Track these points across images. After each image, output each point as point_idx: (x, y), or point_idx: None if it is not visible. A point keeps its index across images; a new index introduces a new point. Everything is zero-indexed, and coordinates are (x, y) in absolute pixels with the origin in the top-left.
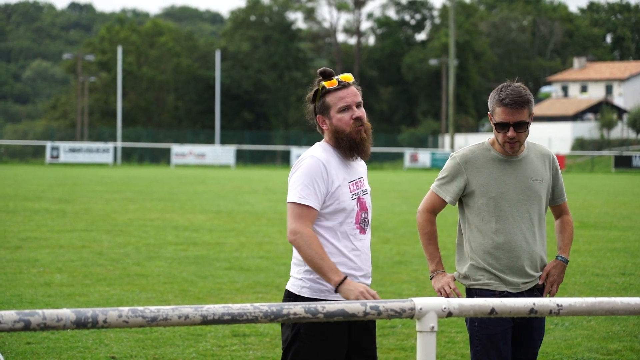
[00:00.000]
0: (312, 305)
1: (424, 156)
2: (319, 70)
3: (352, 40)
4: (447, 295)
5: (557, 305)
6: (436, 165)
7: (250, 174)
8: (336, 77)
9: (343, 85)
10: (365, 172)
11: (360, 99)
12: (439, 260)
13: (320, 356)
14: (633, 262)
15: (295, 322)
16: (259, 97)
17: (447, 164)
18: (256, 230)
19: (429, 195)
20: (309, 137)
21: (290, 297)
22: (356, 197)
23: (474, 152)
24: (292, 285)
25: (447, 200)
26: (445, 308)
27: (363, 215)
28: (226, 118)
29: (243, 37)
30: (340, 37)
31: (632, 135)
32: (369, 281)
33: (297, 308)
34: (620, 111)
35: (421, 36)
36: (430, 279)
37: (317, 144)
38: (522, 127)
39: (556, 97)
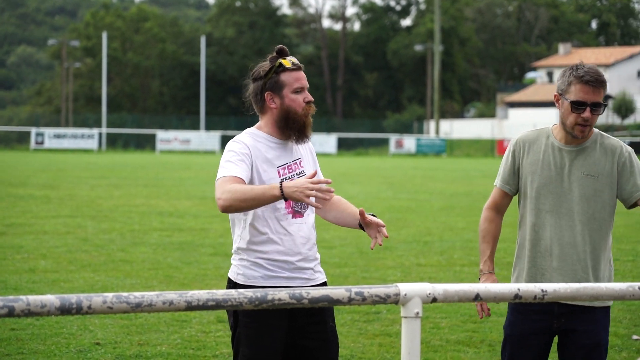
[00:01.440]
0: (297, 291)
1: (409, 142)
2: (277, 47)
3: (338, 26)
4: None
5: (542, 290)
6: (421, 151)
7: None
8: (289, 58)
9: (298, 67)
10: (309, 154)
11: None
12: (487, 258)
13: (257, 341)
14: (618, 248)
15: (235, 311)
16: (244, 83)
17: (507, 149)
18: (226, 217)
19: (493, 190)
20: None
21: (230, 284)
22: (288, 180)
23: (535, 135)
24: (230, 272)
25: (503, 189)
26: (430, 294)
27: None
28: (211, 104)
29: (228, 22)
30: (326, 22)
31: (617, 120)
32: (312, 264)
33: (282, 294)
34: (606, 97)
35: (406, 22)
36: (479, 280)
37: (245, 131)
38: (598, 108)
39: (541, 82)
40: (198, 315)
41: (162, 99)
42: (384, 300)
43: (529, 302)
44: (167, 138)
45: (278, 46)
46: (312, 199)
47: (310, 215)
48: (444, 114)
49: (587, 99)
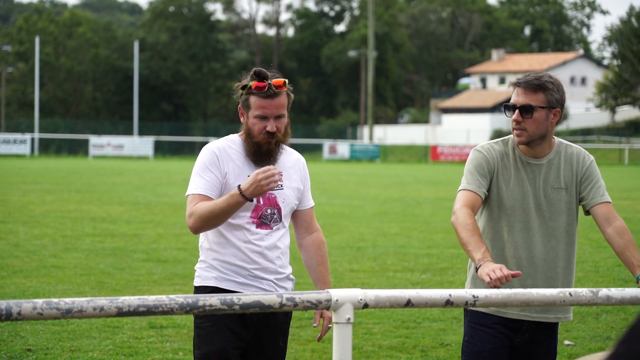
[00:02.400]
0: (228, 297)
1: (343, 147)
2: (255, 70)
3: (272, 32)
4: (498, 280)
5: (473, 296)
6: (355, 156)
7: (168, 165)
8: (269, 82)
9: (269, 95)
10: (298, 170)
11: (283, 110)
12: (485, 249)
13: (209, 341)
14: None
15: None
16: (178, 88)
17: (476, 155)
18: (174, 222)
19: (460, 194)
20: (228, 128)
21: (195, 290)
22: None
23: (502, 148)
24: (195, 279)
25: (479, 192)
26: (361, 299)
27: (269, 211)
28: (145, 109)
29: (162, 27)
30: (260, 28)
31: None
32: (272, 276)
33: (213, 300)
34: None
35: (340, 27)
36: (477, 270)
37: (224, 137)
38: (529, 112)
39: (475, 88)
40: (130, 321)
41: (95, 104)
42: (315, 305)
43: (460, 307)
44: (100, 143)
45: (258, 69)
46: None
47: (280, 230)
48: (378, 120)
49: (516, 101)
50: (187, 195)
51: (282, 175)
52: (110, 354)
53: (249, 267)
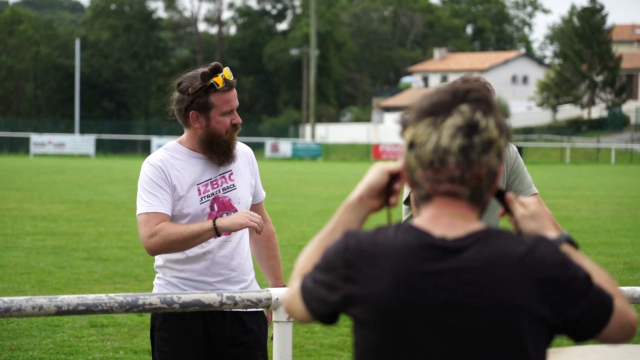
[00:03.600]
0: (168, 295)
1: (285, 146)
2: (212, 65)
3: (214, 30)
4: None
5: None
6: (297, 155)
7: (110, 163)
8: (221, 74)
9: (230, 87)
10: (247, 164)
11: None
12: None
13: (171, 343)
14: None
15: (152, 333)
16: (120, 86)
17: None
18: (115, 220)
19: None
20: (170, 127)
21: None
22: (209, 198)
23: None
24: None
25: None
26: None
27: (225, 215)
28: (86, 107)
29: (103, 25)
30: (202, 26)
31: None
32: (235, 287)
33: (153, 298)
34: None
35: (282, 26)
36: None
37: (163, 146)
38: None
39: (417, 87)
40: (71, 320)
41: (36, 102)
42: (255, 304)
43: None
44: (41, 141)
45: (213, 64)
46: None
47: (238, 233)
48: (320, 118)
49: None
50: (140, 215)
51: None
52: (51, 352)
53: (211, 280)
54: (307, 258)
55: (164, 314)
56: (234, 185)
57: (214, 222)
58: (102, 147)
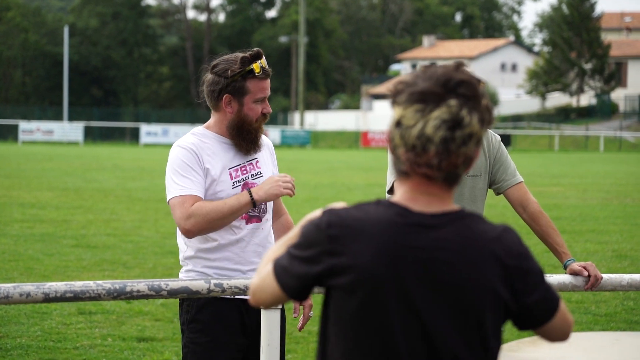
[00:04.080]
0: (156, 282)
1: (274, 133)
2: (253, 51)
3: (202, 17)
4: None
5: None
6: (286, 142)
7: (98, 150)
8: (258, 62)
9: (266, 75)
10: (268, 154)
11: None
12: None
13: (208, 334)
14: None
15: (183, 328)
16: (108, 73)
17: None
18: (104, 208)
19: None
20: (159, 114)
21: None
22: (240, 183)
23: None
24: None
25: None
26: None
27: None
28: (75, 94)
29: (92, 13)
30: (190, 13)
31: None
32: None
33: (141, 285)
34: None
35: (271, 13)
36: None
37: (191, 131)
38: None
39: (406, 75)
40: (59, 307)
41: (24, 90)
42: (243, 291)
43: None
44: (30, 129)
45: (255, 49)
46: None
47: (269, 221)
48: (309, 106)
49: None
50: (174, 198)
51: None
52: (39, 339)
53: (245, 269)
54: (274, 250)
55: (197, 304)
56: (260, 173)
57: (250, 194)
58: (91, 135)
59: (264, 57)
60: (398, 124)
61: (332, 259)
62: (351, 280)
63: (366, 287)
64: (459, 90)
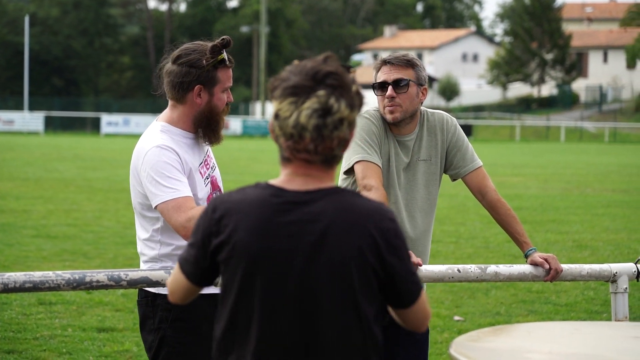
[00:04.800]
0: (115, 272)
1: (235, 124)
2: (224, 38)
3: (164, 7)
4: None
5: None
6: (247, 132)
7: (59, 140)
8: (226, 52)
9: (232, 63)
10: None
11: None
12: None
13: (194, 357)
14: (441, 230)
15: (160, 326)
16: (69, 63)
17: (364, 122)
18: (64, 198)
19: (365, 166)
20: (120, 104)
21: (148, 297)
22: (208, 180)
23: (381, 122)
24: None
25: (379, 163)
26: None
27: (215, 194)
28: (35, 84)
29: (52, 2)
30: (151, 3)
31: (442, 103)
32: None
33: (100, 276)
34: (431, 79)
35: (233, 3)
36: None
37: (156, 127)
38: (402, 86)
39: (367, 65)
40: (19, 297)
41: None
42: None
43: None
44: None
45: (225, 37)
46: None
47: None
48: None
49: (387, 78)
50: (166, 202)
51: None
52: None
53: None
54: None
55: (174, 309)
56: (215, 164)
57: None
58: (52, 124)
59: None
60: (276, 116)
61: (217, 238)
62: (229, 255)
63: (242, 262)
64: (327, 81)
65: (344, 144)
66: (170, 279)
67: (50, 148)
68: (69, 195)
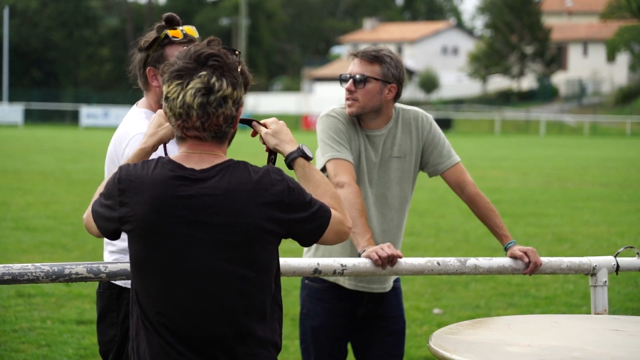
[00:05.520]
0: (95, 265)
1: None
2: (164, 16)
3: None
4: (384, 254)
5: (341, 265)
6: None
7: (38, 132)
8: (181, 28)
9: (189, 40)
10: None
11: None
12: (370, 235)
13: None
14: (421, 223)
15: (125, 320)
16: (48, 55)
17: (327, 121)
18: (43, 190)
19: (337, 163)
20: (99, 96)
21: (112, 289)
22: None
23: (348, 118)
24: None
25: (350, 160)
26: None
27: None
28: (15, 76)
29: None
30: None
31: (422, 96)
32: None
33: (79, 268)
34: (411, 72)
35: None
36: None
37: (138, 114)
38: (364, 82)
39: (347, 58)
40: None
41: None
42: None
43: (329, 277)
44: None
45: (167, 14)
46: None
47: None
48: (250, 88)
49: (351, 71)
50: None
51: None
52: None
53: None
54: (98, 190)
55: None
56: None
57: None
58: (31, 116)
59: (192, 27)
60: (166, 98)
61: (123, 208)
62: (134, 227)
63: (144, 233)
64: (209, 62)
65: (231, 120)
66: (85, 217)
67: (30, 140)
68: (48, 188)
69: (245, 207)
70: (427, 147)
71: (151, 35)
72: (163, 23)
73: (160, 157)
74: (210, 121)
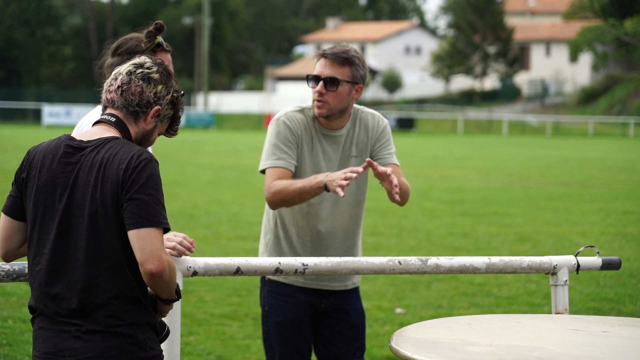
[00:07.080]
0: None
1: None
2: (158, 23)
3: None
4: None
5: (303, 264)
6: (191, 124)
7: (0, 131)
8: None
9: (170, 49)
10: None
11: None
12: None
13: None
14: (384, 223)
15: None
16: (10, 53)
17: (276, 126)
18: (5, 189)
19: (269, 172)
20: (62, 95)
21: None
22: None
23: (303, 118)
24: None
25: (290, 167)
26: (190, 267)
27: None
28: None
29: None
30: None
31: (384, 95)
32: None
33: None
34: (374, 72)
35: None
36: (325, 188)
37: (99, 110)
38: (334, 85)
39: (310, 57)
40: None
41: None
42: None
43: (291, 276)
44: None
45: (158, 22)
46: None
47: None
48: (213, 87)
49: (321, 73)
50: None
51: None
52: None
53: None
54: None
55: None
56: None
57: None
58: None
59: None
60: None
61: (21, 175)
62: (26, 188)
63: (32, 194)
64: (158, 61)
65: (146, 102)
66: None
67: None
68: (9, 187)
69: (104, 180)
70: (376, 143)
71: (143, 40)
72: (152, 30)
73: (65, 134)
74: (129, 88)
